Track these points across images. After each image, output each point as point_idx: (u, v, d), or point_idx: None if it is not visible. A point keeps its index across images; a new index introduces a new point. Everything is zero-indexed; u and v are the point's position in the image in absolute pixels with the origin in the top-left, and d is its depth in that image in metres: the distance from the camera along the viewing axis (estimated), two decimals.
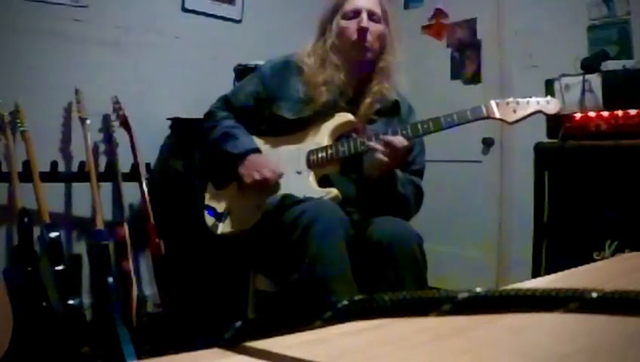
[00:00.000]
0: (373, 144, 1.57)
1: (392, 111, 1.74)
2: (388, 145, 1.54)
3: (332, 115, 1.69)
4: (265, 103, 1.74)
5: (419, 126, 1.58)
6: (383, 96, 1.70)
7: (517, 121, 1.57)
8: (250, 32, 3.00)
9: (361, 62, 1.70)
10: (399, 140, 1.55)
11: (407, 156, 1.66)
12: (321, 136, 1.68)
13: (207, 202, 1.75)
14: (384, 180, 1.62)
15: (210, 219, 1.72)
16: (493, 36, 3.09)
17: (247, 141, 1.70)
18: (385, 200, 1.64)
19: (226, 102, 1.80)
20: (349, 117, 1.69)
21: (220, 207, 1.72)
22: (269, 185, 1.63)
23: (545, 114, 1.58)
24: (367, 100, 1.69)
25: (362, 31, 1.66)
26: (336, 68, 1.68)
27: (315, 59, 1.72)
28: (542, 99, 1.57)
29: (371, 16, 1.68)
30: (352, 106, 1.71)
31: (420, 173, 1.77)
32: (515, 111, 1.56)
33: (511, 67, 2.92)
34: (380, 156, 1.55)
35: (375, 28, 1.69)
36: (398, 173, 1.65)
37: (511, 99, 1.57)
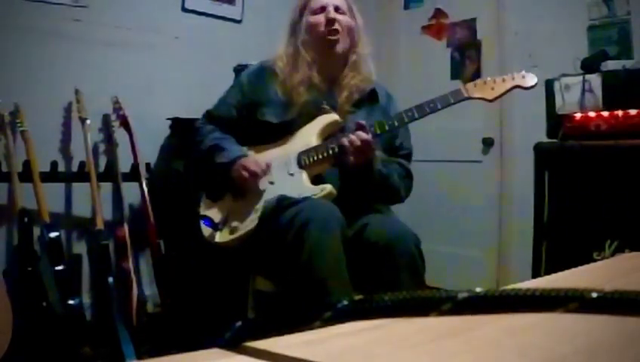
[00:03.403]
0: (343, 140, 1.57)
1: (370, 99, 1.76)
2: (349, 147, 1.55)
3: (316, 116, 1.70)
4: (248, 111, 1.75)
5: (403, 115, 1.59)
6: (358, 87, 1.73)
7: (496, 98, 1.60)
8: (250, 32, 3.00)
9: (333, 54, 1.72)
10: (358, 136, 1.54)
11: (391, 140, 1.69)
12: (309, 137, 1.68)
13: (203, 212, 1.76)
14: (362, 166, 1.61)
15: (206, 229, 1.72)
16: (493, 36, 3.09)
17: (234, 150, 1.71)
18: (369, 184, 1.64)
19: (209, 116, 1.81)
20: (335, 117, 1.70)
21: (217, 216, 1.73)
22: (258, 180, 1.64)
23: (523, 87, 1.59)
24: (345, 94, 1.72)
25: (330, 22, 1.70)
26: (309, 65, 1.71)
27: (287, 60, 1.75)
28: (517, 74, 1.59)
29: (337, 9, 1.73)
30: (331, 102, 1.73)
31: (408, 157, 1.79)
32: (493, 89, 1.59)
33: (511, 67, 2.90)
34: (347, 155, 1.56)
35: (342, 19, 1.73)
36: (378, 153, 1.65)
37: (488, 78, 1.61)
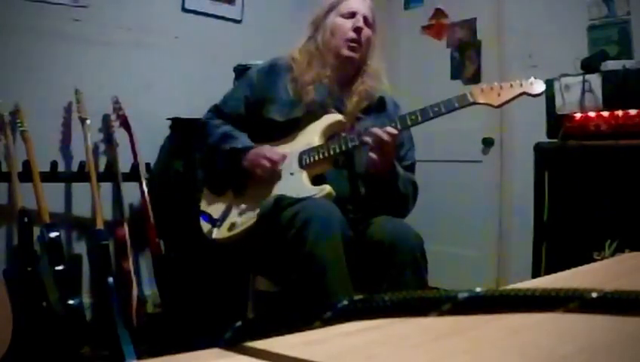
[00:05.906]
0: (366, 138, 1.57)
1: (378, 107, 1.76)
2: (375, 137, 1.55)
3: (321, 116, 1.70)
4: (255, 107, 1.75)
5: (407, 118, 1.58)
6: (368, 94, 1.73)
7: (502, 104, 1.56)
8: (250, 32, 3.00)
9: (349, 61, 1.72)
10: (387, 130, 1.55)
11: (397, 148, 1.66)
12: (312, 137, 1.68)
13: (202, 208, 1.76)
14: (387, 178, 1.62)
15: (205, 225, 1.72)
16: (493, 36, 3.09)
17: (246, 140, 1.72)
18: (386, 199, 1.65)
19: (217, 110, 1.81)
20: (339, 117, 1.70)
21: (216, 212, 1.73)
22: (276, 172, 1.64)
23: (530, 95, 1.54)
24: (354, 99, 1.72)
25: (358, 30, 1.70)
26: (324, 66, 1.71)
27: (304, 57, 1.74)
28: (525, 81, 1.54)
29: (365, 20, 1.72)
30: (339, 105, 1.73)
31: (412, 168, 1.78)
32: (499, 95, 1.55)
33: (511, 67, 2.91)
34: (372, 150, 1.56)
35: (366, 32, 1.72)
36: (400, 170, 1.66)
37: (495, 84, 1.57)
